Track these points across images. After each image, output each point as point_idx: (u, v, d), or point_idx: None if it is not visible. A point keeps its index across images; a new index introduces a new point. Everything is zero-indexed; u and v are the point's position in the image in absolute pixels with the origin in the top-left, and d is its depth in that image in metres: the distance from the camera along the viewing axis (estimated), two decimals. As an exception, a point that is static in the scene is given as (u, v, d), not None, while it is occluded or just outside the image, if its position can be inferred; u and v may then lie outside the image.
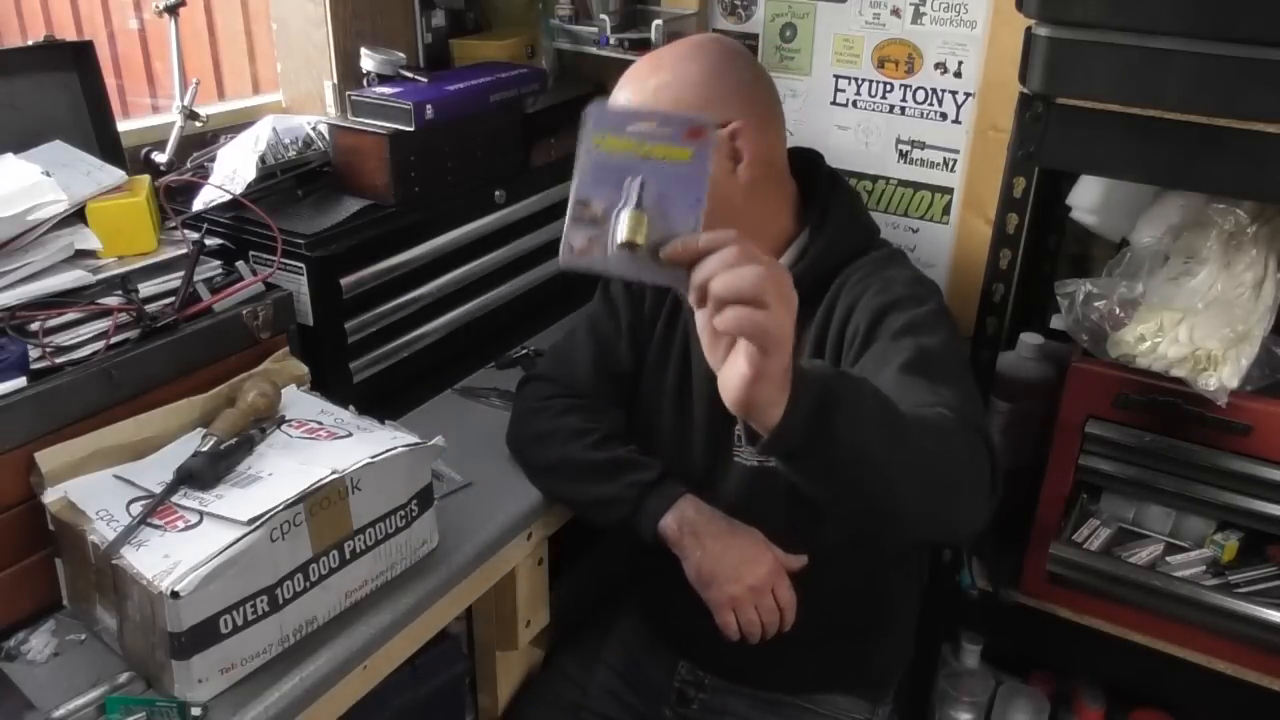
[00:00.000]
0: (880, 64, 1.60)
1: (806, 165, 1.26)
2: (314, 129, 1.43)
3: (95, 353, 1.04)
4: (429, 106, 1.37)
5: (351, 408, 1.14)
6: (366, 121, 1.38)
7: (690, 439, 1.28)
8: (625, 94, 1.18)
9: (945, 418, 0.90)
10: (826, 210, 1.21)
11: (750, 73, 1.19)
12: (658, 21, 1.59)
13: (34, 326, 1.02)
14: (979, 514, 0.92)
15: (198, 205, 1.31)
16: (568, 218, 0.75)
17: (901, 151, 1.63)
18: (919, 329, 1.07)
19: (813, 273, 1.18)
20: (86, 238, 1.12)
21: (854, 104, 1.64)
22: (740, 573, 1.16)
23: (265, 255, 1.24)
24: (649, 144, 0.74)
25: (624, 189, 0.74)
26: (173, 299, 1.12)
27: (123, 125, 1.37)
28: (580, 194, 0.75)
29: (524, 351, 1.60)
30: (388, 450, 1.01)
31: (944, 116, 1.58)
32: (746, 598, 1.16)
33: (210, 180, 1.33)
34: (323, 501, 0.96)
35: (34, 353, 1.01)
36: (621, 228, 0.74)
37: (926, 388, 0.96)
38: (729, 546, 1.17)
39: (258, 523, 0.90)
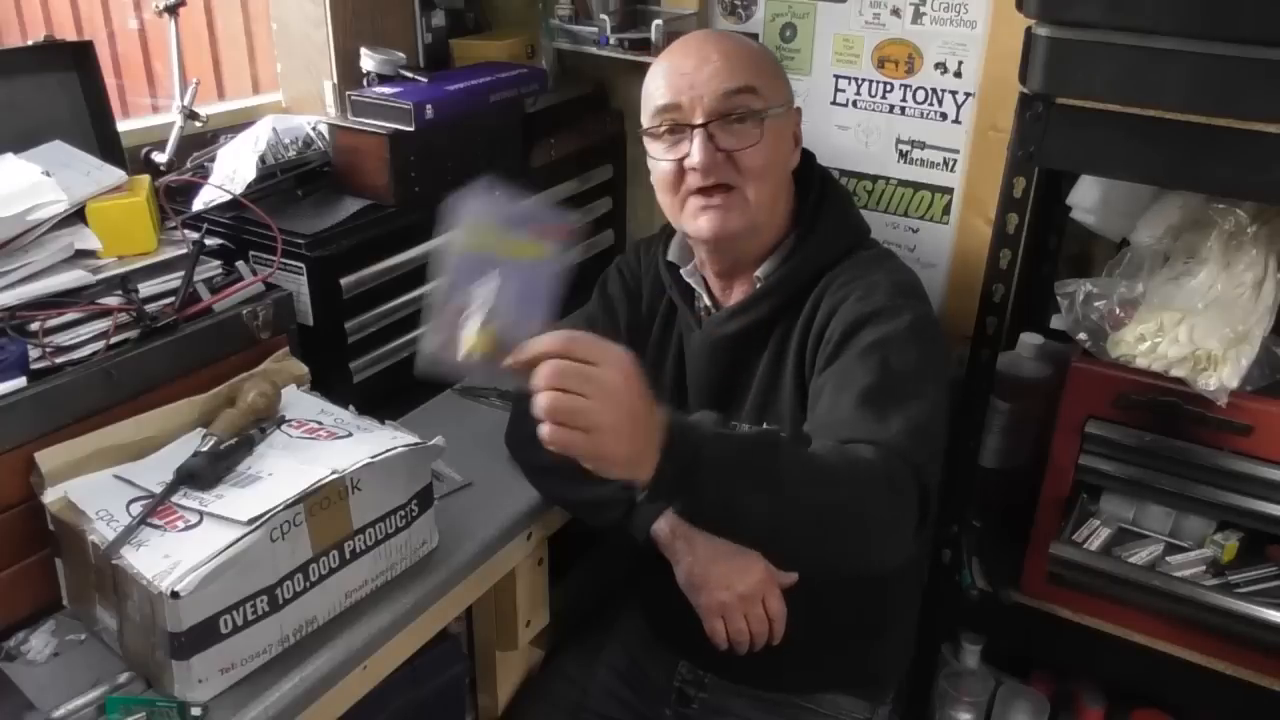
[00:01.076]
0: (880, 64, 1.60)
1: (801, 165, 1.26)
2: (314, 129, 1.44)
3: (95, 353, 1.04)
4: (429, 106, 1.37)
5: (351, 408, 1.14)
6: (366, 121, 1.38)
7: None
8: (718, 49, 1.14)
9: (862, 464, 0.92)
10: (818, 212, 1.22)
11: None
12: (658, 21, 1.59)
13: (34, 326, 1.02)
14: (897, 549, 0.95)
15: (198, 205, 1.31)
16: (428, 318, 0.76)
17: (901, 151, 1.63)
18: (889, 345, 1.06)
19: (796, 277, 1.18)
20: (86, 238, 1.12)
21: (854, 104, 1.64)
22: (730, 580, 1.16)
23: (265, 255, 1.24)
24: (511, 241, 0.76)
25: (479, 291, 0.76)
26: (173, 299, 1.12)
27: (123, 125, 1.37)
28: (441, 294, 0.76)
29: (524, 351, 1.59)
30: (388, 450, 1.01)
31: (944, 116, 1.58)
32: (736, 605, 1.17)
33: (210, 180, 1.33)
34: (322, 501, 0.96)
35: (34, 353, 1.01)
36: (464, 341, 0.75)
37: (874, 419, 0.98)
38: (720, 553, 1.17)
39: (258, 523, 0.90)
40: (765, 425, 1.19)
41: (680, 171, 1.15)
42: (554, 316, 0.77)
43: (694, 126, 1.13)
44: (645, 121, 1.20)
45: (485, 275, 0.76)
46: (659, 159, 1.17)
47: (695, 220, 1.17)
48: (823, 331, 1.14)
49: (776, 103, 1.15)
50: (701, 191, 1.14)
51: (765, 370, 1.21)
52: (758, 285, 1.21)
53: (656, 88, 1.17)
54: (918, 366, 1.05)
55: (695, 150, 1.12)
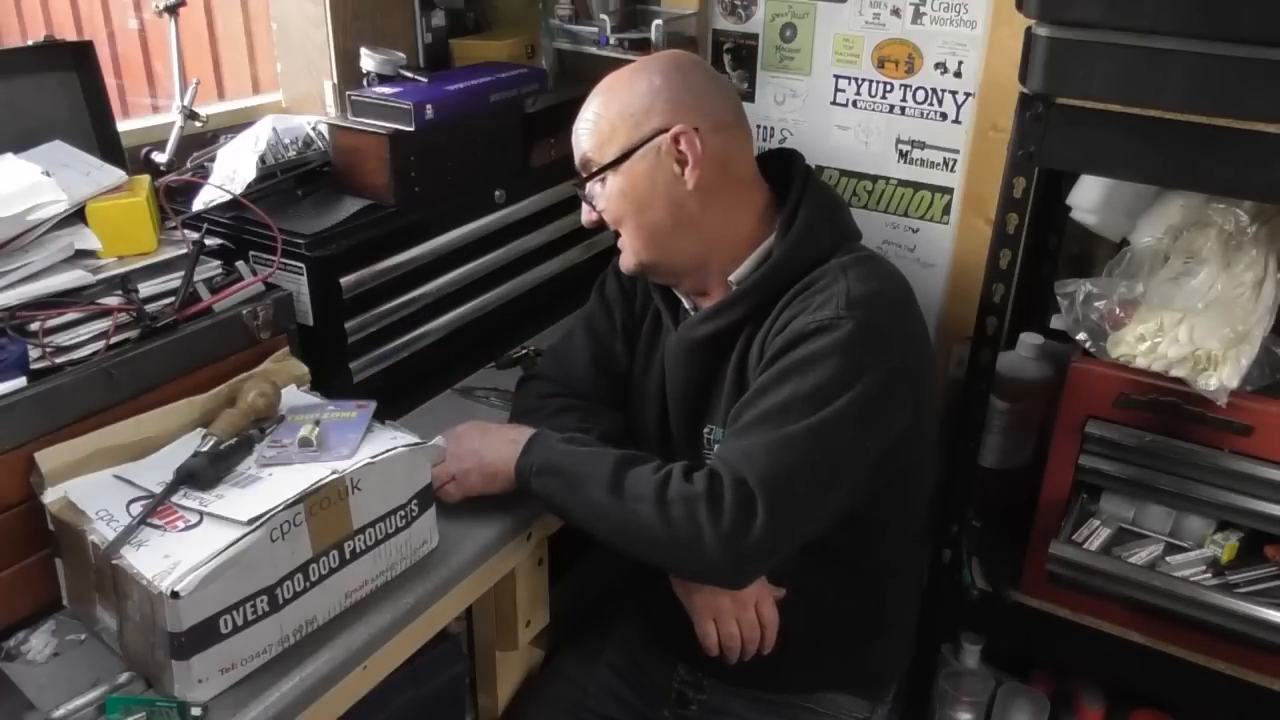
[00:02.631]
0: (880, 64, 1.60)
1: (785, 167, 1.24)
2: (314, 129, 1.43)
3: (95, 353, 1.04)
4: (429, 106, 1.37)
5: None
6: (366, 121, 1.38)
7: (672, 439, 1.29)
8: (580, 117, 1.22)
9: (653, 487, 1.06)
10: (797, 213, 1.18)
11: (705, 82, 1.21)
12: (658, 21, 1.59)
13: (34, 326, 1.02)
14: (700, 567, 1.08)
15: (198, 205, 1.31)
16: None
17: (901, 151, 1.63)
18: (804, 367, 1.07)
19: (769, 282, 1.16)
20: (86, 238, 1.12)
21: (854, 104, 1.64)
22: None
23: (265, 255, 1.24)
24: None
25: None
26: (173, 299, 1.12)
27: (123, 125, 1.37)
28: None
29: (524, 351, 1.60)
30: (388, 450, 1.01)
31: (944, 116, 1.58)
32: (729, 609, 1.17)
33: (210, 180, 1.33)
34: (322, 501, 0.96)
35: (34, 353, 1.01)
36: None
37: (734, 443, 1.09)
38: None
39: (258, 523, 0.90)
40: None
41: None
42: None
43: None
44: None
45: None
46: None
47: None
48: (776, 338, 1.13)
49: (618, 152, 1.17)
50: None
51: (733, 373, 1.20)
52: (732, 289, 1.21)
53: None
54: (820, 389, 1.06)
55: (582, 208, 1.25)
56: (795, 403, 1.06)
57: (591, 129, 1.20)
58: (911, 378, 1.13)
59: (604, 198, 1.20)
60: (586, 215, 1.24)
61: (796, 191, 1.20)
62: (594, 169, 1.20)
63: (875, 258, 1.19)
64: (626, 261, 1.24)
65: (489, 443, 1.19)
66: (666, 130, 1.15)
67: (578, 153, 1.22)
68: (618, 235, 1.23)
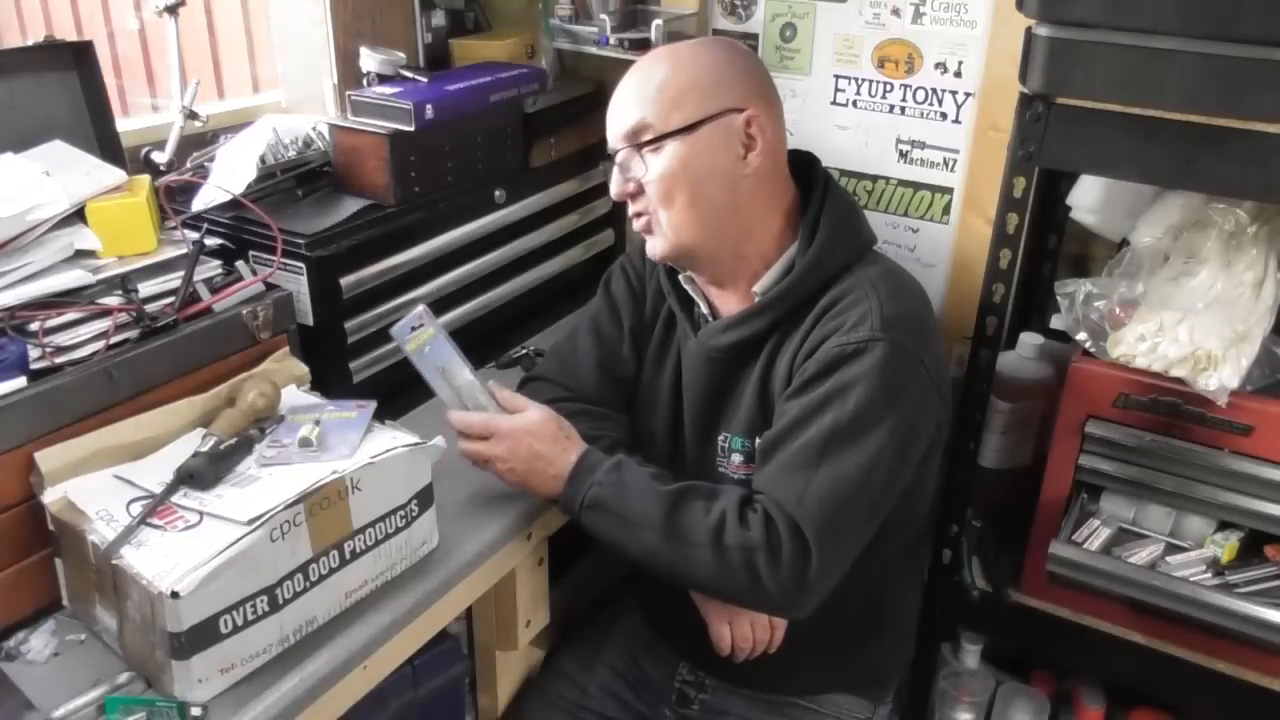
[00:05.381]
0: (880, 64, 1.60)
1: (804, 169, 1.24)
2: (314, 129, 1.43)
3: (95, 353, 1.04)
4: (429, 106, 1.37)
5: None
6: (366, 121, 1.38)
7: (683, 445, 1.28)
8: (630, 84, 1.17)
9: (709, 533, 1.08)
10: (820, 220, 1.18)
11: (759, 66, 1.21)
12: (658, 21, 1.59)
13: (34, 326, 1.02)
14: (759, 608, 1.17)
15: (198, 205, 1.31)
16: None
17: (901, 151, 1.63)
18: (844, 393, 1.08)
19: (795, 293, 1.16)
20: (86, 238, 1.12)
21: (854, 104, 1.64)
22: None
23: (265, 255, 1.24)
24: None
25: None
26: (173, 299, 1.12)
27: (123, 125, 1.37)
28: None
29: (524, 351, 1.60)
30: (388, 450, 1.02)
31: (944, 116, 1.58)
32: (745, 612, 1.17)
33: (210, 180, 1.33)
34: (322, 501, 0.96)
35: (34, 353, 1.01)
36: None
37: (783, 480, 1.10)
38: None
39: (258, 523, 0.90)
40: (757, 440, 1.19)
41: None
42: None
43: (607, 157, 1.19)
44: None
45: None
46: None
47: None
48: (811, 354, 1.13)
49: (678, 120, 1.14)
50: (636, 216, 1.20)
51: (756, 382, 1.19)
52: (755, 299, 1.20)
53: None
54: (861, 417, 1.08)
55: (610, 183, 1.19)
56: (838, 434, 1.08)
57: (656, 94, 1.14)
58: (938, 392, 1.15)
59: (656, 168, 1.14)
60: (620, 186, 1.18)
61: (818, 198, 1.20)
62: (652, 135, 1.14)
63: (898, 270, 1.21)
64: (661, 246, 1.18)
65: (548, 454, 1.16)
66: (740, 110, 1.14)
67: (628, 119, 1.16)
68: (639, 218, 1.19)
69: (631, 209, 1.19)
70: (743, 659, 1.21)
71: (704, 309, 1.26)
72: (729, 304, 1.24)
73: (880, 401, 1.08)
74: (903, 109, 1.61)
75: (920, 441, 1.14)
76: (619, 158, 1.17)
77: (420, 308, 1.15)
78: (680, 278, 1.27)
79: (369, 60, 1.50)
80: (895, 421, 1.09)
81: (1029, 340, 1.50)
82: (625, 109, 1.17)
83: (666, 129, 1.13)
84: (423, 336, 1.15)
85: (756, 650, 1.21)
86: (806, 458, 1.08)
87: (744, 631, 1.19)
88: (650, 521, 1.10)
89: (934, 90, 1.57)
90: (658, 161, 1.14)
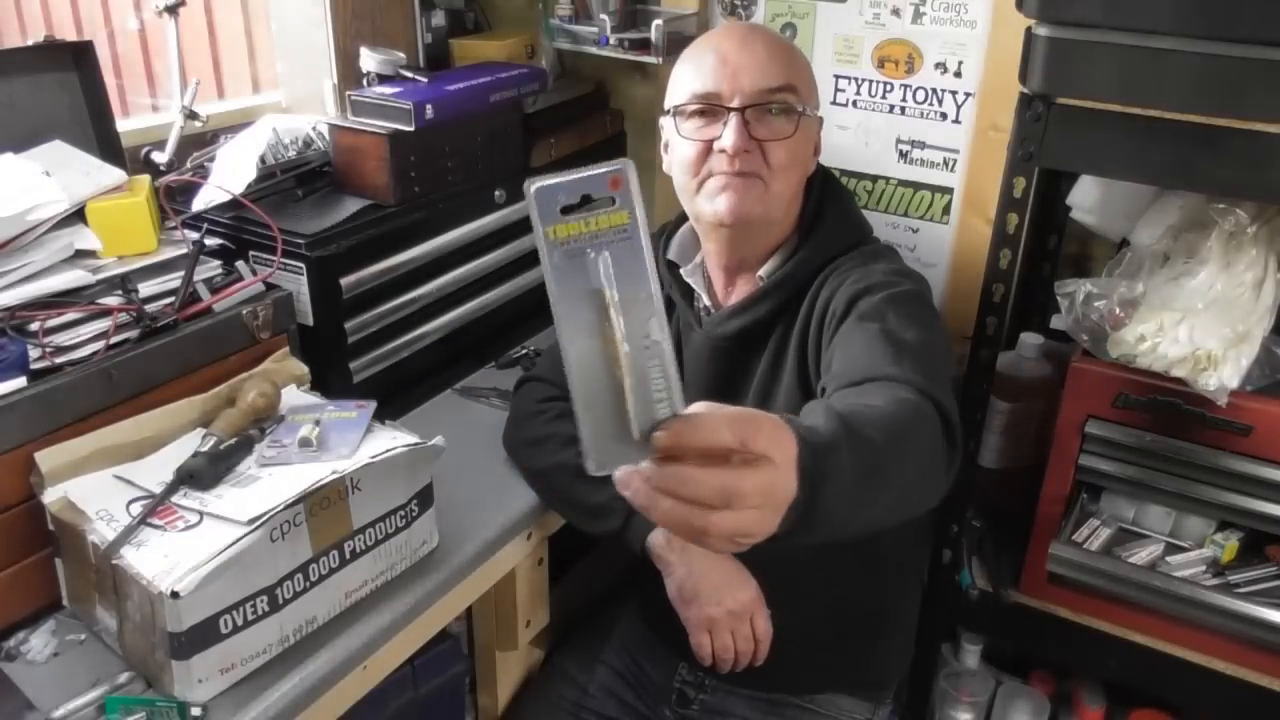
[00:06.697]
0: (880, 64, 1.60)
1: None
2: (314, 129, 1.43)
3: (95, 353, 1.04)
4: (429, 106, 1.37)
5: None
6: (366, 121, 1.38)
7: None
8: (767, 47, 1.16)
9: (907, 406, 0.86)
10: (820, 215, 1.22)
11: None
12: (658, 21, 1.59)
13: (34, 326, 1.02)
14: (940, 489, 0.89)
15: (198, 205, 1.30)
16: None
17: (901, 151, 1.63)
18: (892, 305, 1.07)
19: (796, 276, 1.19)
20: (86, 238, 1.12)
21: (854, 104, 1.64)
22: (721, 595, 1.16)
23: (265, 255, 1.24)
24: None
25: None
26: (173, 299, 1.12)
27: (123, 125, 1.37)
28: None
29: (524, 351, 1.60)
30: (388, 450, 1.01)
31: (944, 116, 1.58)
32: (725, 621, 1.17)
33: (210, 180, 1.33)
34: (322, 501, 0.96)
35: (34, 353, 1.01)
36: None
37: (891, 358, 0.96)
38: (713, 568, 1.18)
39: (258, 523, 0.90)
40: None
41: (705, 154, 1.15)
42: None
43: (731, 109, 1.13)
44: (676, 100, 1.18)
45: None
46: (686, 138, 1.16)
47: (714, 199, 1.15)
48: (824, 318, 1.14)
49: (812, 105, 1.19)
50: (734, 175, 1.15)
51: (764, 371, 1.21)
52: (760, 284, 1.21)
53: (696, 69, 1.17)
54: (919, 316, 1.07)
55: (729, 133, 1.13)
56: (903, 328, 1.02)
57: (803, 69, 1.19)
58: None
59: (793, 133, 1.15)
60: (741, 138, 1.12)
61: (818, 190, 1.24)
62: (800, 105, 1.15)
63: (895, 250, 1.26)
64: (751, 206, 1.15)
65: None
66: (818, 109, 1.21)
67: (776, 78, 1.14)
68: (739, 177, 1.14)
69: (734, 165, 1.13)
70: (727, 670, 1.20)
71: (705, 300, 1.27)
72: (733, 292, 1.25)
73: (924, 312, 1.09)
74: (903, 109, 1.61)
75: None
76: (749, 112, 1.13)
77: (624, 161, 0.59)
78: (683, 270, 1.27)
79: (369, 60, 1.50)
80: (936, 323, 1.11)
81: (1029, 340, 1.50)
82: (773, 68, 1.14)
83: (808, 104, 1.17)
84: (606, 221, 0.60)
85: (741, 662, 1.20)
86: (881, 348, 1.00)
87: (724, 641, 1.18)
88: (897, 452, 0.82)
89: (934, 90, 1.57)
90: (792, 129, 1.15)
